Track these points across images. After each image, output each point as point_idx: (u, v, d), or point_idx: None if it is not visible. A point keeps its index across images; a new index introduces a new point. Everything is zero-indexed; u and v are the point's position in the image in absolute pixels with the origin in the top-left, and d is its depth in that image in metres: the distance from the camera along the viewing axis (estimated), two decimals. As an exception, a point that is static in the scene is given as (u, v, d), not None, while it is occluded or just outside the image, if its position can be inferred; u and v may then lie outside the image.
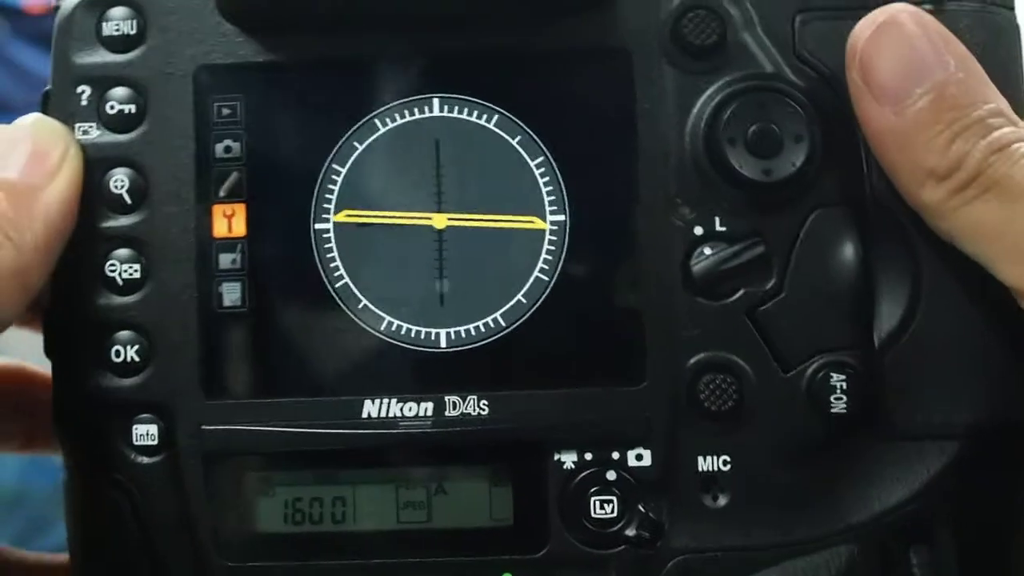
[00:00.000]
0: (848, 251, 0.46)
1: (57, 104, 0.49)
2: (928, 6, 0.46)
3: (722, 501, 0.47)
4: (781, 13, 0.47)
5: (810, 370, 0.46)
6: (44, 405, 0.56)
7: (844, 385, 0.46)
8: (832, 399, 0.46)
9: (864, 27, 0.45)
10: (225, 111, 0.48)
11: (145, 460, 0.47)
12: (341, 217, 0.47)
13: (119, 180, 0.48)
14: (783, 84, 0.46)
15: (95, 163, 0.48)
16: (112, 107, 0.48)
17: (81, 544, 0.49)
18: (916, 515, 0.46)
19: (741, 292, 0.46)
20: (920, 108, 0.43)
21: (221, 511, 0.47)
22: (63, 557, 0.59)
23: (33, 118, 0.49)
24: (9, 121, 0.48)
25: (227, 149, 0.48)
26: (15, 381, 0.57)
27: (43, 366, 0.57)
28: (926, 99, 0.43)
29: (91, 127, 0.48)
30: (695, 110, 0.47)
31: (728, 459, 0.46)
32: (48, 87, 0.49)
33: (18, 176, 0.46)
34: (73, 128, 0.48)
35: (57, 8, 0.49)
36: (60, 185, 0.47)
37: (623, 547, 0.46)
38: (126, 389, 0.47)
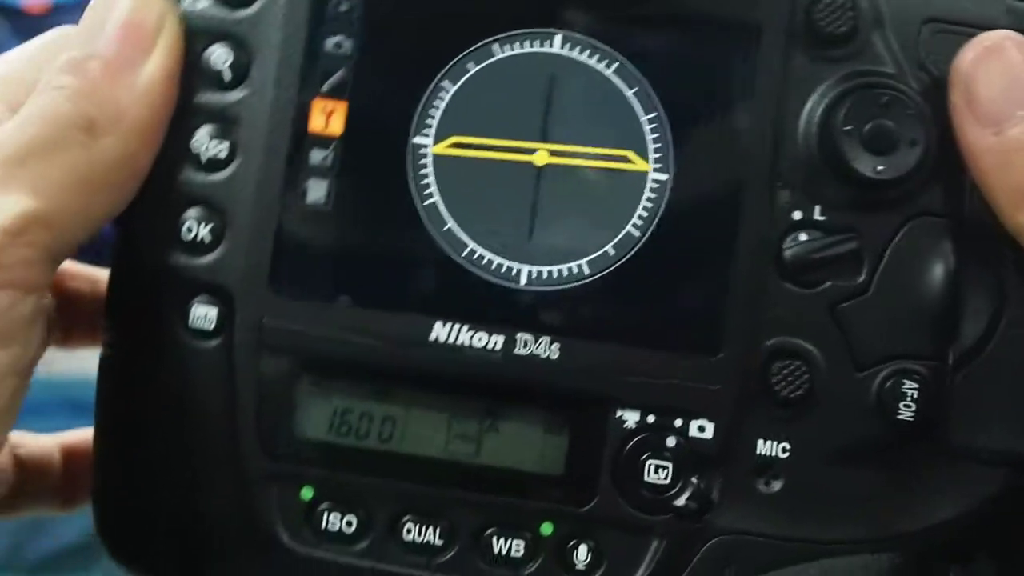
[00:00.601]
0: (939, 263, 0.46)
1: None
2: None
3: (775, 487, 0.46)
4: (911, 18, 0.47)
5: (883, 373, 0.46)
6: (79, 297, 0.53)
7: (915, 394, 0.45)
8: (901, 406, 0.45)
9: (968, 50, 0.45)
10: (343, 6, 0.46)
11: (198, 344, 0.46)
12: (442, 147, 0.46)
13: (221, 55, 0.46)
14: (905, 86, 0.46)
15: (197, 34, 0.46)
16: None
17: (111, 430, 0.47)
18: (961, 535, 0.46)
19: (828, 284, 0.46)
20: (1021, 130, 0.43)
21: (267, 408, 0.46)
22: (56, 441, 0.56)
23: None
24: None
25: (338, 45, 0.46)
26: None
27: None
28: None
29: None
30: (814, 96, 0.46)
31: (788, 447, 0.46)
32: None
33: (114, 52, 0.43)
34: None
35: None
36: (159, 59, 0.44)
37: (669, 516, 0.46)
38: (192, 268, 0.46)
